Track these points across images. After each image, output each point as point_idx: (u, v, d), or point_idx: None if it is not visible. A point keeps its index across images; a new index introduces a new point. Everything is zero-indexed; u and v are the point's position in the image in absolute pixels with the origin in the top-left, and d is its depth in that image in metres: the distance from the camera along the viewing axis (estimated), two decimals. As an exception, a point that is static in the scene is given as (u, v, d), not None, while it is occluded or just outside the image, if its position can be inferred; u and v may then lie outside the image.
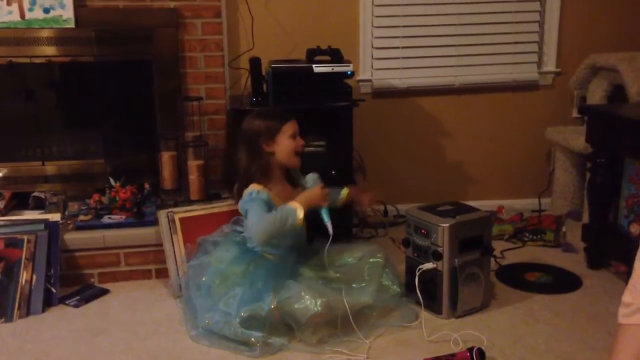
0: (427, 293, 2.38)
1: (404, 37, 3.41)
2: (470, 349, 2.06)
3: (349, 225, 3.09)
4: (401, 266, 2.55)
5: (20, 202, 2.92)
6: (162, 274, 2.73)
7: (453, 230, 2.33)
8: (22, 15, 2.82)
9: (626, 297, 1.47)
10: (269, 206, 2.35)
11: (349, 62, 2.97)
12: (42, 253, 2.54)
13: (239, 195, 2.42)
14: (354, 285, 2.35)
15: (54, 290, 2.55)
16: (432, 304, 2.39)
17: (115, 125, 3.15)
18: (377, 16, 3.37)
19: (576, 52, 3.49)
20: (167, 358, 2.16)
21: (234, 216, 2.59)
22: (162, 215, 2.67)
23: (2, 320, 2.41)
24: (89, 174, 3.05)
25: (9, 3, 2.80)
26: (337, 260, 2.49)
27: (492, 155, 3.64)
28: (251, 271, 2.34)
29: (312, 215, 2.39)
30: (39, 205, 2.88)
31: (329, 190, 2.45)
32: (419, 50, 3.45)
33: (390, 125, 3.47)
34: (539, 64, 3.57)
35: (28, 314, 2.46)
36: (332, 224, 2.39)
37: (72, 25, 2.85)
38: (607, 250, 2.82)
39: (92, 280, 2.74)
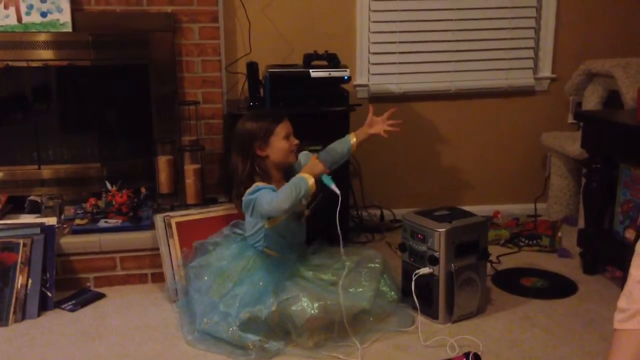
0: (424, 298, 2.38)
1: (400, 42, 3.42)
2: (467, 354, 2.06)
3: (345, 229, 3.06)
4: (397, 271, 2.56)
5: (16, 205, 2.91)
6: (158, 278, 2.73)
7: (449, 235, 2.34)
8: (20, 19, 2.82)
9: (622, 303, 1.47)
10: None
11: (345, 67, 2.97)
12: (37, 257, 2.53)
13: (238, 199, 2.37)
14: (351, 290, 2.34)
15: (49, 295, 2.54)
16: (429, 309, 2.40)
17: (112, 129, 3.15)
18: (373, 22, 3.38)
19: (572, 58, 3.51)
20: (163, 363, 2.16)
21: (230, 220, 2.58)
22: (159, 219, 2.67)
23: (-2, 324, 2.41)
24: (85, 178, 3.03)
25: (6, 7, 2.79)
26: (335, 263, 2.48)
27: (488, 160, 3.65)
28: (252, 268, 2.34)
29: (312, 213, 2.37)
30: (35, 209, 2.88)
31: (323, 161, 2.32)
32: (415, 55, 3.46)
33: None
34: (535, 69, 3.59)
35: (23, 318, 2.46)
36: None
37: (69, 29, 2.85)
38: (603, 256, 2.82)
39: (88, 284, 2.73)
